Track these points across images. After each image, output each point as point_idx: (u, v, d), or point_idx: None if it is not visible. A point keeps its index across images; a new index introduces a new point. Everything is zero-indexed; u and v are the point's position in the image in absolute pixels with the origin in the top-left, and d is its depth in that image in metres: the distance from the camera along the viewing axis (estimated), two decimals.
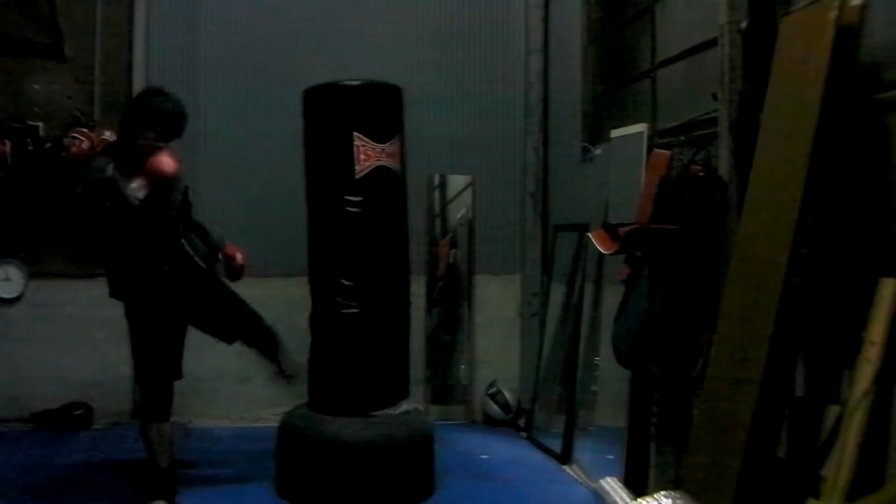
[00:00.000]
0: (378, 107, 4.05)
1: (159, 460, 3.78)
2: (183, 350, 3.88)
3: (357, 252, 3.98)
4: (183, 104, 3.81)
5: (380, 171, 3.99)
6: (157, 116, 3.68)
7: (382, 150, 4.00)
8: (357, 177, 3.94)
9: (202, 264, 3.87)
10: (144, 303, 3.76)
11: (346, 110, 3.99)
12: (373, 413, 3.94)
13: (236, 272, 4.06)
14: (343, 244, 3.99)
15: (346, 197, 3.94)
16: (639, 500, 2.94)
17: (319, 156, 4.06)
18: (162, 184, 3.64)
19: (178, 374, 3.86)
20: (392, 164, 4.05)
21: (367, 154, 3.96)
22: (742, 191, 2.94)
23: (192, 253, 3.83)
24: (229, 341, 4.22)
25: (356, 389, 3.98)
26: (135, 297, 3.77)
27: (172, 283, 3.76)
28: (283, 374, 4.35)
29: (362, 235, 3.98)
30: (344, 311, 3.96)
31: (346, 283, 3.96)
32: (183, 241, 3.81)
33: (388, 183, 4.05)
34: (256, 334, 4.24)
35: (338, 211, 3.97)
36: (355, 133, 3.94)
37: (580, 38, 5.17)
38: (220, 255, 4.02)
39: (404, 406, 4.07)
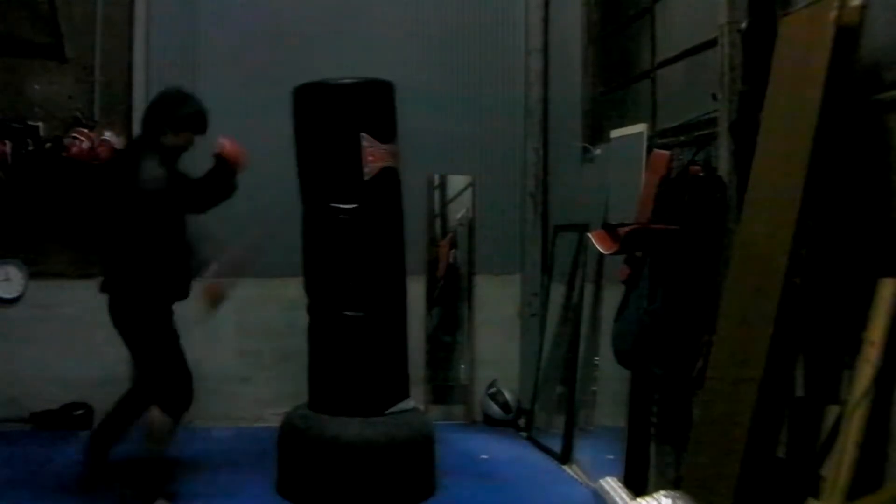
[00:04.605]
0: (381, 105, 4.02)
1: (158, 452, 3.76)
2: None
3: (360, 254, 3.96)
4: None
5: (386, 172, 3.98)
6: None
7: (387, 150, 3.98)
8: (365, 178, 3.92)
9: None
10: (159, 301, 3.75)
11: (350, 109, 3.93)
12: (374, 413, 3.94)
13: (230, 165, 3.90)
14: (346, 246, 3.96)
15: (354, 199, 3.92)
16: (639, 500, 2.94)
17: (321, 156, 4.01)
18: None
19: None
20: (395, 164, 4.05)
21: (374, 155, 3.93)
22: (742, 191, 2.94)
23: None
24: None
25: (356, 390, 3.97)
26: (151, 296, 3.74)
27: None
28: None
29: (366, 237, 3.95)
30: (347, 312, 3.95)
31: (348, 285, 3.94)
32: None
33: (393, 184, 4.05)
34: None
35: (342, 213, 3.93)
36: (363, 134, 3.90)
37: (580, 39, 5.17)
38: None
39: (404, 406, 4.07)
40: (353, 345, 3.97)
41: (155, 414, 3.72)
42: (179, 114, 3.80)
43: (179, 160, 3.90)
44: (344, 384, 3.99)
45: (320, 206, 4.00)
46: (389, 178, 4.02)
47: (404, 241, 4.21)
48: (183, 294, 3.83)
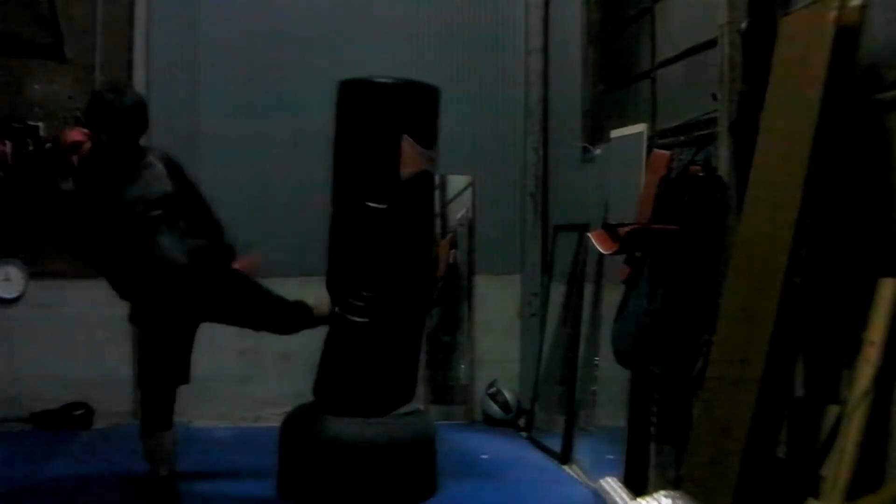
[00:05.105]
0: (426, 110, 4.04)
1: (159, 469, 3.67)
2: (189, 354, 3.78)
3: (387, 253, 3.96)
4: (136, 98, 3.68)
5: (422, 175, 4.00)
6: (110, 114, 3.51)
7: (426, 154, 4.00)
8: (402, 179, 3.92)
9: (180, 260, 3.36)
10: (145, 303, 3.66)
11: (396, 109, 3.93)
12: (378, 414, 3.94)
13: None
14: (374, 244, 3.95)
15: (387, 198, 3.92)
16: (639, 500, 2.94)
17: (360, 153, 3.98)
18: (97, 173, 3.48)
19: (185, 379, 3.76)
20: (432, 170, 4.07)
21: (413, 158, 3.93)
22: (742, 191, 2.94)
23: (165, 251, 3.36)
24: (255, 328, 4.15)
25: (366, 389, 3.97)
26: (136, 298, 3.68)
27: (163, 281, 3.45)
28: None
29: (395, 237, 3.95)
30: (367, 313, 3.94)
31: (373, 285, 3.93)
32: (160, 237, 3.36)
33: (427, 189, 4.07)
34: (280, 317, 4.09)
35: (374, 214, 3.93)
36: (405, 135, 3.91)
37: (580, 39, 5.17)
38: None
39: (407, 407, 4.07)
40: (369, 343, 3.96)
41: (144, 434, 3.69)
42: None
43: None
44: (354, 383, 3.98)
45: (352, 202, 3.98)
46: (425, 182, 4.04)
47: (432, 245, 4.23)
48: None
